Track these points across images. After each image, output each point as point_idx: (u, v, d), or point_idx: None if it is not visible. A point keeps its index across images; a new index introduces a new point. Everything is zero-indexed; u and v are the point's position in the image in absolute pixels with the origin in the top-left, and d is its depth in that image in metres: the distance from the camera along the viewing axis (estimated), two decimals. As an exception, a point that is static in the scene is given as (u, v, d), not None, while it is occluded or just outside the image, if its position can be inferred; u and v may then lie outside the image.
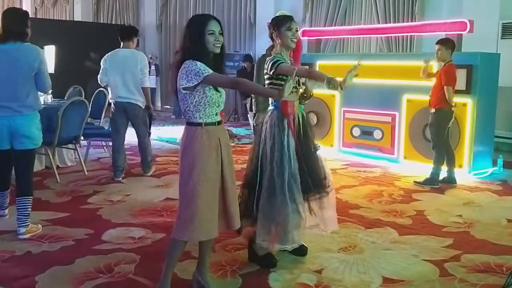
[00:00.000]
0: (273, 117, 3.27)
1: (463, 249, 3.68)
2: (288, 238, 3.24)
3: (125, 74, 5.53)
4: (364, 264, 3.40)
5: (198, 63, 2.61)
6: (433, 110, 5.56)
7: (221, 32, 2.68)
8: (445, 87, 5.35)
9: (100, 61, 5.70)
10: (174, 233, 2.78)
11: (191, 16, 2.90)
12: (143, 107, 5.68)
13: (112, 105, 5.66)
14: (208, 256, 2.96)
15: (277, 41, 3.31)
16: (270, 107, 3.34)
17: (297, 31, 3.32)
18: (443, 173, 5.79)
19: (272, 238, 3.24)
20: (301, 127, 3.33)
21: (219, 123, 2.76)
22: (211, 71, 2.61)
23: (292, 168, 3.20)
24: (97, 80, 5.72)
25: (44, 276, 3.13)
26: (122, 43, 5.71)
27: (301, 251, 3.50)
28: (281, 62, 3.19)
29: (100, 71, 5.67)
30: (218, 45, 2.66)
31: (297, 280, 3.15)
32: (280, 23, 3.27)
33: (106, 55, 5.72)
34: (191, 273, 2.99)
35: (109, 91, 5.77)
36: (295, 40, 3.29)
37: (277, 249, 3.35)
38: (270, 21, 3.38)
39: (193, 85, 2.61)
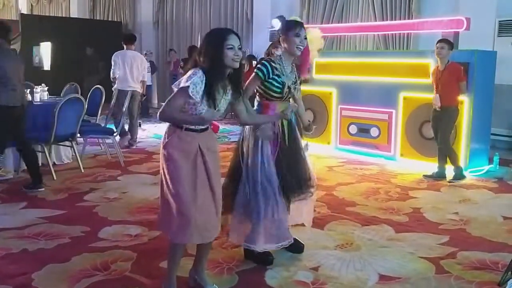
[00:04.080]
0: None
1: (459, 246, 3.69)
2: (259, 239, 3.21)
3: (133, 69, 7.29)
4: (361, 261, 3.41)
5: (197, 77, 2.54)
6: (439, 109, 5.64)
7: (240, 47, 2.63)
8: (461, 83, 5.57)
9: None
10: (170, 235, 2.74)
11: (210, 30, 2.83)
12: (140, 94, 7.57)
13: (119, 91, 7.16)
14: (205, 255, 2.95)
15: (282, 45, 3.25)
16: (255, 107, 3.32)
17: (305, 38, 3.22)
18: (434, 168, 5.86)
19: (255, 237, 3.23)
20: (289, 130, 3.31)
21: (202, 130, 2.69)
22: (185, 91, 2.52)
23: (266, 170, 3.18)
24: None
25: (41, 273, 3.13)
26: (125, 46, 7.45)
27: (297, 248, 3.50)
28: (258, 75, 3.17)
29: (114, 65, 7.27)
30: (237, 60, 2.61)
31: (293, 277, 3.16)
32: (289, 28, 3.20)
33: (116, 54, 7.34)
34: (188, 271, 2.99)
35: (117, 82, 7.29)
36: (301, 47, 3.20)
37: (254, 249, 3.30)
38: (279, 22, 3.29)
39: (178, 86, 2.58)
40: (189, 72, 2.59)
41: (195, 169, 2.65)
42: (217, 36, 2.64)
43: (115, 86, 7.31)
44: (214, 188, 2.73)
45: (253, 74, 3.21)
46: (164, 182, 2.68)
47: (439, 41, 5.70)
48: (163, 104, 2.61)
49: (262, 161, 3.19)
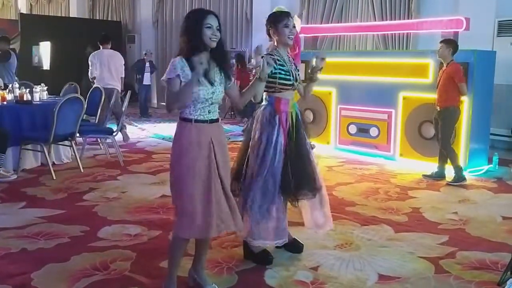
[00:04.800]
0: (266, 113, 3.27)
1: (459, 246, 3.70)
2: (259, 235, 3.23)
3: (111, 67, 7.66)
4: (360, 261, 3.41)
5: (176, 62, 2.59)
6: (439, 109, 5.63)
7: (218, 28, 2.65)
8: (460, 84, 5.49)
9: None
10: (173, 229, 2.77)
11: (189, 11, 2.87)
12: (120, 91, 7.70)
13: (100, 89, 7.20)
14: (204, 254, 2.95)
15: (274, 38, 3.30)
16: (264, 103, 3.34)
17: (294, 27, 3.29)
18: (434, 168, 5.86)
19: (254, 234, 3.24)
20: (294, 126, 3.32)
21: (212, 121, 2.71)
22: (176, 78, 2.57)
23: (274, 166, 3.19)
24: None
25: (40, 273, 3.12)
26: (101, 46, 7.82)
27: (297, 248, 3.51)
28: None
29: (91, 66, 7.71)
30: (215, 39, 2.63)
31: (293, 277, 3.16)
32: (277, 20, 3.25)
33: (92, 55, 7.79)
34: (187, 270, 2.99)
35: (95, 81, 7.64)
36: (292, 37, 3.27)
37: (259, 246, 3.31)
38: (267, 17, 3.37)
39: (166, 79, 2.62)
40: (173, 60, 2.63)
41: (208, 164, 2.66)
42: (196, 15, 2.67)
43: (95, 85, 7.51)
44: (224, 183, 2.74)
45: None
46: (175, 179, 2.68)
47: (440, 42, 5.70)
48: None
49: (274, 154, 3.19)
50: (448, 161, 5.80)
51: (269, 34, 3.34)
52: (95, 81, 7.63)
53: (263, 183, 3.18)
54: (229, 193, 2.80)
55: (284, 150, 3.24)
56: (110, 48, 7.93)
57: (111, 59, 7.71)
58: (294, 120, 3.32)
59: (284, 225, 3.35)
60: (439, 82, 5.67)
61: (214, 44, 2.65)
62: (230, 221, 2.76)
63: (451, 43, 5.62)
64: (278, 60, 3.23)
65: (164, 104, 2.71)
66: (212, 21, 2.63)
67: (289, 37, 3.25)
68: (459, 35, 6.36)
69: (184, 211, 2.65)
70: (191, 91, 2.57)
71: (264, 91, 3.30)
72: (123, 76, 7.91)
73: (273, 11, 3.37)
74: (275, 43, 3.31)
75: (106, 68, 7.64)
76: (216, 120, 2.75)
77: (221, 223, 2.71)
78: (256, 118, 3.32)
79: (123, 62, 7.94)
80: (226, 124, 9.86)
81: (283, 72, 3.23)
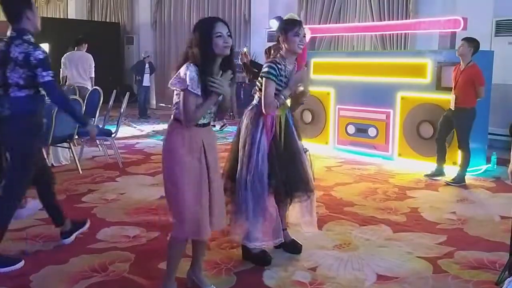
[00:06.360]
0: (252, 114, 3.29)
1: (457, 246, 3.70)
2: (254, 236, 3.23)
3: (79, 68, 8.31)
4: (359, 261, 3.42)
5: (193, 71, 2.56)
6: (453, 109, 5.58)
7: (229, 33, 2.64)
8: (480, 87, 5.49)
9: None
10: (173, 231, 2.79)
11: (197, 20, 2.81)
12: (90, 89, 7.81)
13: (68, 86, 7.98)
14: (202, 255, 2.96)
15: (283, 45, 3.27)
16: (254, 102, 3.34)
17: (304, 36, 3.26)
18: (432, 168, 5.87)
19: (247, 234, 3.25)
20: (283, 129, 3.32)
21: (205, 125, 2.72)
22: (194, 89, 2.54)
23: (258, 168, 3.19)
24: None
25: (39, 275, 3.13)
26: (76, 48, 8.52)
27: (295, 248, 3.51)
28: (271, 79, 3.17)
29: (63, 66, 8.37)
30: (228, 46, 2.62)
31: (291, 277, 3.16)
32: (287, 28, 3.22)
33: (64, 56, 8.46)
34: (185, 272, 2.99)
35: (67, 79, 8.32)
36: (302, 45, 3.25)
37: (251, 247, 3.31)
38: (277, 22, 3.34)
39: (177, 88, 2.61)
40: (182, 69, 2.60)
41: (200, 165, 2.67)
42: (204, 26, 2.65)
43: (67, 83, 8.22)
44: (213, 185, 2.74)
45: (265, 79, 3.19)
46: (167, 180, 2.70)
47: (461, 39, 5.64)
48: (182, 112, 2.62)
49: (257, 155, 3.19)
50: (447, 161, 5.80)
51: (277, 41, 3.33)
52: (66, 79, 8.29)
53: (251, 185, 3.18)
54: (220, 194, 2.80)
55: (268, 151, 3.23)
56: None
57: (81, 60, 8.34)
58: (283, 122, 3.32)
59: (278, 225, 3.35)
60: (456, 82, 5.56)
61: (227, 52, 2.62)
62: (216, 221, 2.78)
63: (473, 42, 5.52)
64: (282, 69, 3.23)
65: (164, 105, 2.70)
66: (221, 29, 2.60)
67: (299, 46, 3.22)
68: (457, 35, 6.37)
69: (178, 212, 2.66)
70: (206, 111, 2.63)
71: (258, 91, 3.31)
72: (93, 76, 8.46)
73: (284, 18, 3.34)
74: (283, 51, 3.28)
75: (76, 68, 8.30)
76: (208, 124, 2.76)
77: (211, 224, 2.73)
78: (243, 118, 3.34)
79: (93, 64, 8.50)
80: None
81: (283, 85, 3.24)
